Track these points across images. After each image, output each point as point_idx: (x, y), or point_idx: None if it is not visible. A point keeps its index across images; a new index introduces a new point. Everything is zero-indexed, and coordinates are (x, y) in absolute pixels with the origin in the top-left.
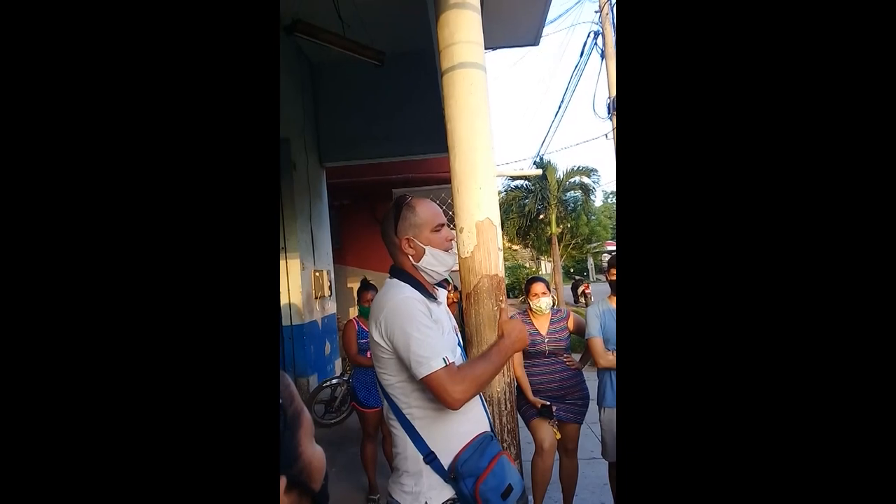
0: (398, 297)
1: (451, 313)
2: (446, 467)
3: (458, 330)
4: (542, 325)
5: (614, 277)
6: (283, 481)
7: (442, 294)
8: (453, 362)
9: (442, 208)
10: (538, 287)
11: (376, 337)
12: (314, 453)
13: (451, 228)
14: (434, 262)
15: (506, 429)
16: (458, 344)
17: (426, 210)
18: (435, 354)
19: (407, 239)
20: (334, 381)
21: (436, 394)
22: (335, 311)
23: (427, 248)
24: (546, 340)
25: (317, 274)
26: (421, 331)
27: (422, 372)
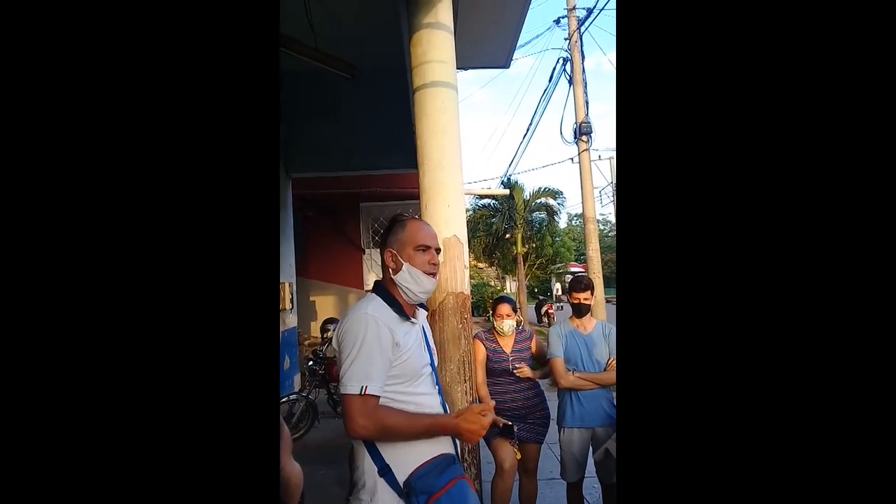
0: (360, 310)
1: (429, 332)
2: (401, 483)
3: (434, 351)
4: (507, 343)
5: (577, 301)
6: None
7: (422, 314)
8: (371, 395)
9: None
10: (504, 308)
11: (333, 342)
12: (293, 469)
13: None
14: (409, 280)
15: (466, 448)
16: (431, 363)
17: (415, 229)
18: (356, 379)
19: (390, 251)
20: (293, 396)
21: (343, 416)
22: (296, 325)
23: (405, 265)
24: (510, 359)
25: None
26: (360, 350)
27: (342, 389)
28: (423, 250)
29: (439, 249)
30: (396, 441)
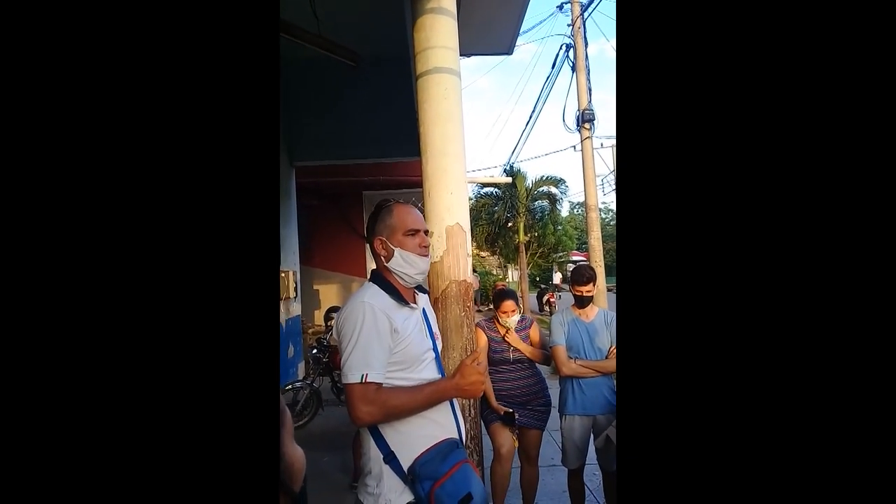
0: (357, 299)
1: (433, 317)
2: (406, 469)
3: (438, 335)
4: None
5: (579, 293)
6: None
7: (423, 299)
8: (372, 382)
9: None
10: (509, 305)
11: (334, 332)
12: (295, 454)
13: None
14: (403, 265)
15: (468, 435)
16: (433, 348)
17: (403, 214)
18: (357, 368)
19: (380, 239)
20: (297, 384)
21: (347, 405)
22: (300, 314)
23: (397, 250)
24: (510, 348)
25: (282, 275)
26: (358, 339)
27: (343, 379)
28: (413, 234)
29: (427, 231)
30: (403, 418)
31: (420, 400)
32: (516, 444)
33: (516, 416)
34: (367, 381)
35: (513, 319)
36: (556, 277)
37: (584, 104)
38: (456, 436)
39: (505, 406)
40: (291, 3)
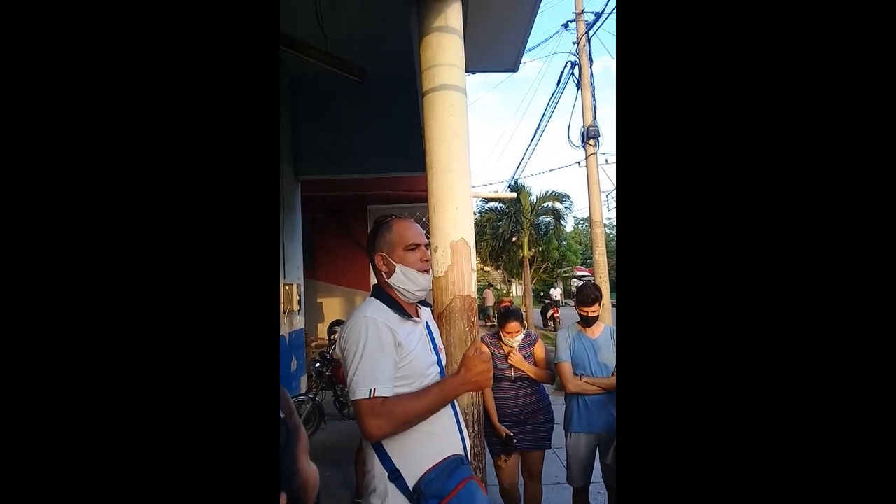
0: (360, 314)
1: (436, 331)
2: (411, 487)
3: (442, 349)
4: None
5: (585, 314)
6: (283, 498)
7: (425, 312)
8: (380, 397)
9: None
10: (513, 326)
11: (337, 348)
12: (310, 470)
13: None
14: (405, 280)
15: (472, 451)
16: (438, 362)
17: (402, 229)
18: (363, 383)
19: (380, 255)
20: (300, 398)
21: (357, 422)
22: (303, 327)
23: (398, 266)
24: (512, 367)
25: (286, 288)
26: (363, 354)
27: (350, 396)
28: (414, 249)
29: (429, 245)
30: (415, 425)
31: (427, 402)
32: (503, 465)
33: (515, 442)
34: (375, 395)
35: (517, 339)
36: (556, 293)
37: (589, 120)
38: (461, 451)
39: (506, 424)
40: (299, 20)
